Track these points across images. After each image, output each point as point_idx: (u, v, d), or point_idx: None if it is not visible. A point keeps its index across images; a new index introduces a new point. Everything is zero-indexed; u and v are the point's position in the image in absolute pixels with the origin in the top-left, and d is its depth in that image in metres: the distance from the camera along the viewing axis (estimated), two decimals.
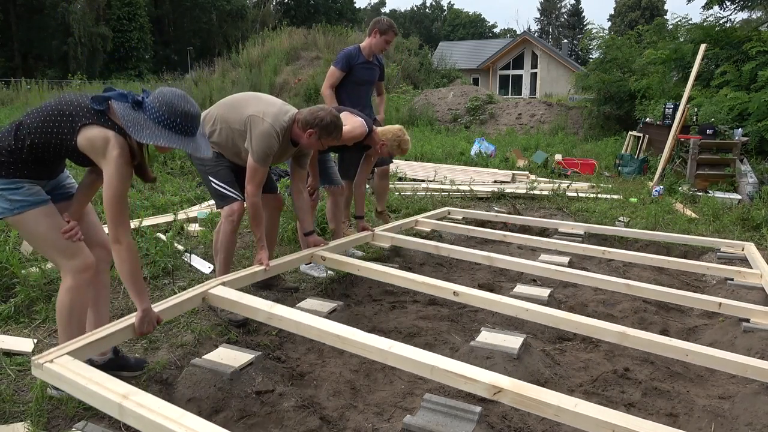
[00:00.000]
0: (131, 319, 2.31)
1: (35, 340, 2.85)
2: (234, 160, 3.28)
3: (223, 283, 2.69)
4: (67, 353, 2.06)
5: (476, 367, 2.19)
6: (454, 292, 3.01)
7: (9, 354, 2.72)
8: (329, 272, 3.92)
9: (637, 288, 3.39)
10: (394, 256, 4.54)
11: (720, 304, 3.20)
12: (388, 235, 4.12)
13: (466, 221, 5.53)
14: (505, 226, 5.59)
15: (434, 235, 4.79)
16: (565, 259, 4.24)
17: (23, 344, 2.80)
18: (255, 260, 3.21)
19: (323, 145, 3.23)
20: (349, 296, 3.81)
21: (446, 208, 5.64)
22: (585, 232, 5.01)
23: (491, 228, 5.59)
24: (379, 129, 4.08)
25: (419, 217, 4.91)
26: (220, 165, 3.23)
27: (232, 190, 3.21)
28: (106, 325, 2.30)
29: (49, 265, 3.56)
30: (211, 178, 3.20)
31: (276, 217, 3.64)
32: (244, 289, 2.98)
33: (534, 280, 4.06)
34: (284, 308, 2.51)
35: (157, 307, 2.42)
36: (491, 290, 4.01)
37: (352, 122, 3.84)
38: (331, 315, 3.25)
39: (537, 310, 2.80)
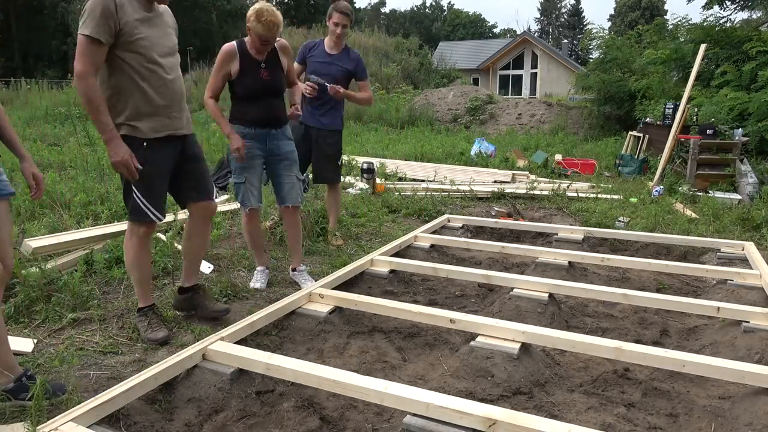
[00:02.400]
0: (137, 379, 2.30)
1: (35, 340, 2.85)
2: (152, 129, 2.73)
3: (222, 338, 2.73)
4: (72, 419, 2.04)
5: (470, 400, 2.23)
6: (450, 320, 3.04)
7: None
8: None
9: (635, 297, 3.43)
10: (395, 256, 4.54)
11: (718, 308, 3.22)
12: (386, 260, 4.12)
13: (466, 228, 5.53)
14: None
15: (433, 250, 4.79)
16: (564, 262, 4.24)
17: (23, 344, 2.80)
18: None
19: None
20: None
21: (445, 216, 5.62)
22: (584, 236, 5.01)
23: (490, 232, 5.63)
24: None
25: (418, 232, 4.90)
26: (145, 167, 2.72)
27: (153, 209, 2.79)
28: (111, 388, 2.26)
29: (49, 265, 3.56)
30: (133, 187, 2.76)
31: (206, 229, 3.18)
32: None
33: None
34: (281, 358, 2.55)
35: (158, 367, 2.41)
36: (491, 290, 4.02)
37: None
38: (331, 315, 3.26)
39: (533, 332, 2.82)
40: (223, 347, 2.63)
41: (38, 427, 2.01)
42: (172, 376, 2.47)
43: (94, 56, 2.51)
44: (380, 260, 4.12)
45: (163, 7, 2.82)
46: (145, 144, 2.73)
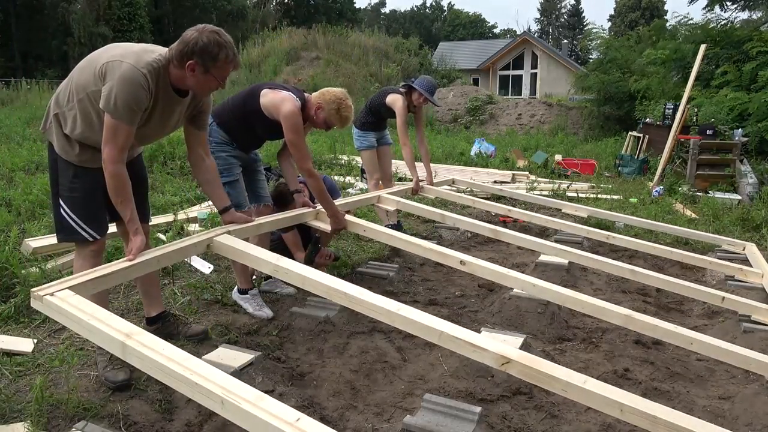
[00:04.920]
0: (140, 258, 2.26)
1: (35, 340, 2.85)
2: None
3: (229, 232, 2.62)
4: (68, 287, 1.97)
5: (486, 337, 2.13)
6: (461, 261, 2.97)
7: (9, 354, 2.72)
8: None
9: (642, 275, 3.36)
10: (394, 256, 4.54)
11: (723, 298, 3.20)
12: (394, 199, 4.02)
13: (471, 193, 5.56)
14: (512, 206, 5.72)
15: (437, 202, 4.79)
16: (565, 262, 4.23)
17: (23, 344, 2.80)
18: (126, 251, 2.37)
19: (216, 83, 2.35)
20: None
21: (451, 177, 5.64)
22: (588, 216, 5.08)
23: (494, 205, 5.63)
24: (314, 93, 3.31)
25: (424, 185, 4.86)
26: (76, 184, 2.38)
27: (86, 227, 2.41)
28: (111, 263, 2.22)
29: (49, 265, 3.56)
30: (61, 203, 2.41)
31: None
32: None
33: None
34: (290, 262, 2.45)
35: (160, 250, 2.38)
36: (491, 290, 4.02)
37: (279, 97, 3.09)
38: (331, 315, 3.26)
39: (544, 286, 2.77)
40: (229, 240, 2.55)
41: (33, 290, 1.97)
42: (176, 261, 2.42)
43: (125, 140, 2.26)
44: (387, 198, 4.11)
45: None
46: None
